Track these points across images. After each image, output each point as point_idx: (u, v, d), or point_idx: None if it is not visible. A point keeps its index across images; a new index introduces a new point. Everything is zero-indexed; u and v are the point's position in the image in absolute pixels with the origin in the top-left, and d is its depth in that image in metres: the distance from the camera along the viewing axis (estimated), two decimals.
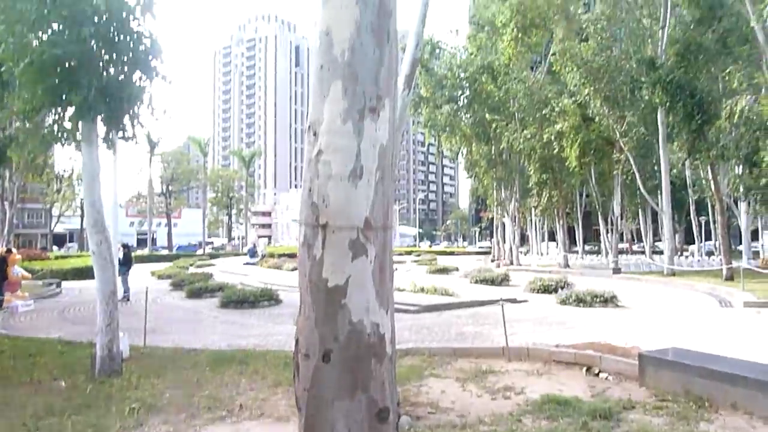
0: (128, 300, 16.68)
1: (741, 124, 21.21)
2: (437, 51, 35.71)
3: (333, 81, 2.48)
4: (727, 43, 22.61)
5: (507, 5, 30.01)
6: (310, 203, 2.47)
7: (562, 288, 16.94)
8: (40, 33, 7.70)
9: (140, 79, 8.19)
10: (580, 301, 14.61)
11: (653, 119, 25.36)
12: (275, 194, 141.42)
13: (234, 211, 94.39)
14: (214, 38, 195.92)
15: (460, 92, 34.84)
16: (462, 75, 33.70)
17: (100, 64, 7.92)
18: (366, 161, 2.47)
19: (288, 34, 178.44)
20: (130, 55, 8.01)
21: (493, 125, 32.66)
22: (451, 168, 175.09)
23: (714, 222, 32.56)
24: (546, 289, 17.58)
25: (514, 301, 15.50)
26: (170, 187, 75.21)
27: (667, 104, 22.74)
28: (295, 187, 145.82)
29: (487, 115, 33.27)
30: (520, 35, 30.05)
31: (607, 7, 26.32)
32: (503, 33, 30.76)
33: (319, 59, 2.54)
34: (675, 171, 34.61)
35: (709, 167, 24.02)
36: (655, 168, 32.20)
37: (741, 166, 23.90)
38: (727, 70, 21.23)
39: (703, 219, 40.12)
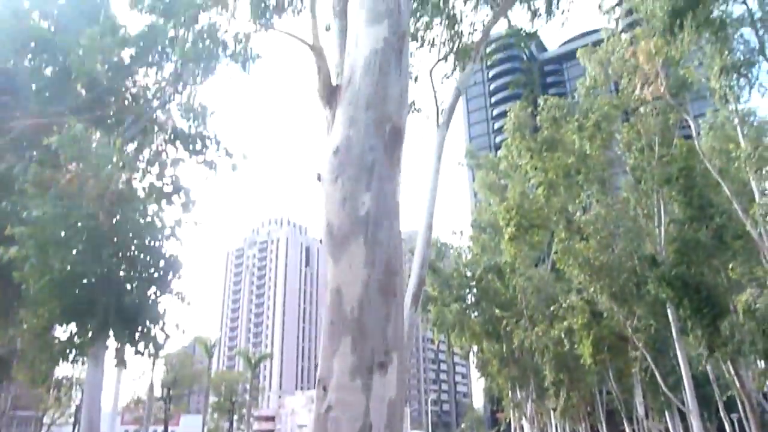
0: None
1: (751, 318, 21.02)
2: (443, 250, 37.03)
3: (343, 337, 2.55)
4: (723, 238, 23.39)
5: (505, 207, 31.77)
6: None
7: None
8: (63, 253, 8.02)
9: (155, 294, 8.33)
10: None
11: (664, 313, 25.17)
12: (280, 397, 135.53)
13: (236, 417, 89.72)
14: (228, 241, 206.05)
15: (467, 291, 35.31)
16: (468, 274, 34.50)
17: (118, 281, 8.14)
18: (374, 418, 2.43)
19: (299, 236, 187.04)
20: (150, 272, 8.25)
21: (503, 322, 32.46)
22: (463, 366, 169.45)
23: (747, 419, 30.47)
24: None
25: None
26: (171, 392, 72.52)
27: (675, 300, 22.78)
28: (301, 389, 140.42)
29: (497, 311, 33.25)
30: (520, 234, 31.33)
31: (602, 208, 27.75)
32: (504, 233, 32.11)
33: (330, 315, 2.64)
34: (696, 365, 33.38)
35: (729, 363, 23.22)
36: (674, 363, 31.13)
37: (762, 362, 23.12)
38: (729, 266, 21.66)
39: (734, 416, 37.54)
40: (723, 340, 21.78)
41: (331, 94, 2.85)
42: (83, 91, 8.46)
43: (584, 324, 27.44)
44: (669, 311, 24.23)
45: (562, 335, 28.09)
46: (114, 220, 7.56)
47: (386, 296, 2.61)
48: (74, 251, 8.17)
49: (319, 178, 2.89)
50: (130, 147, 9.82)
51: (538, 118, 29.63)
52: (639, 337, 26.26)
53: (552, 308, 29.00)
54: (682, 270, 22.88)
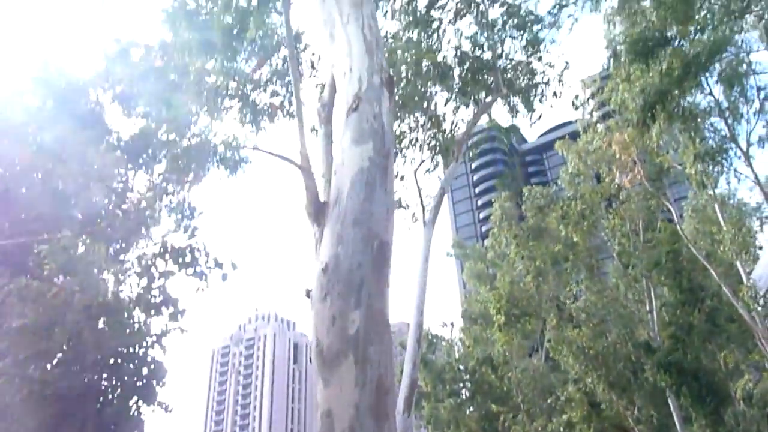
0: None
1: (752, 405, 20.50)
2: (434, 342, 36.29)
3: None
4: (716, 322, 23.18)
5: (494, 296, 31.48)
6: None
7: None
8: (44, 364, 7.73)
9: (136, 404, 7.96)
10: None
11: (665, 402, 24.45)
12: None
13: None
14: (214, 339, 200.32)
15: (461, 385, 34.28)
16: (461, 367, 33.67)
17: (99, 391, 7.79)
18: None
19: (287, 331, 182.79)
20: (133, 380, 7.89)
21: (500, 418, 31.27)
22: None
23: None
24: None
25: None
26: None
27: (674, 387, 22.24)
28: None
29: (493, 406, 32.10)
30: (511, 323, 30.86)
31: (592, 295, 27.64)
32: (495, 321, 31.65)
33: None
34: None
35: None
36: None
37: None
38: (723, 352, 21.38)
39: None
40: (728, 429, 21.07)
41: (318, 212, 2.92)
42: (79, 215, 8.60)
43: (584, 416, 26.50)
44: (670, 400, 23.55)
45: (562, 430, 27.03)
46: (99, 328, 7.39)
47: (378, 419, 2.51)
48: (55, 361, 7.89)
49: (308, 295, 2.88)
50: (115, 247, 9.78)
51: (523, 207, 30.18)
52: (641, 429, 25.30)
53: (549, 400, 28.11)
54: (678, 356, 22.48)
